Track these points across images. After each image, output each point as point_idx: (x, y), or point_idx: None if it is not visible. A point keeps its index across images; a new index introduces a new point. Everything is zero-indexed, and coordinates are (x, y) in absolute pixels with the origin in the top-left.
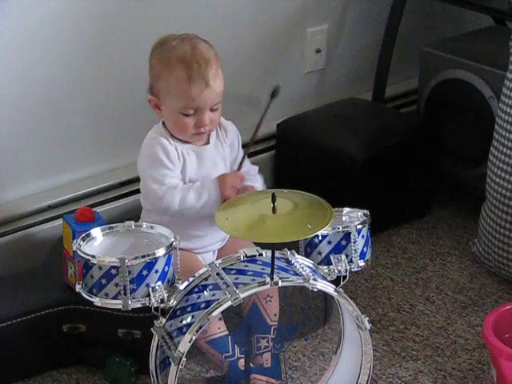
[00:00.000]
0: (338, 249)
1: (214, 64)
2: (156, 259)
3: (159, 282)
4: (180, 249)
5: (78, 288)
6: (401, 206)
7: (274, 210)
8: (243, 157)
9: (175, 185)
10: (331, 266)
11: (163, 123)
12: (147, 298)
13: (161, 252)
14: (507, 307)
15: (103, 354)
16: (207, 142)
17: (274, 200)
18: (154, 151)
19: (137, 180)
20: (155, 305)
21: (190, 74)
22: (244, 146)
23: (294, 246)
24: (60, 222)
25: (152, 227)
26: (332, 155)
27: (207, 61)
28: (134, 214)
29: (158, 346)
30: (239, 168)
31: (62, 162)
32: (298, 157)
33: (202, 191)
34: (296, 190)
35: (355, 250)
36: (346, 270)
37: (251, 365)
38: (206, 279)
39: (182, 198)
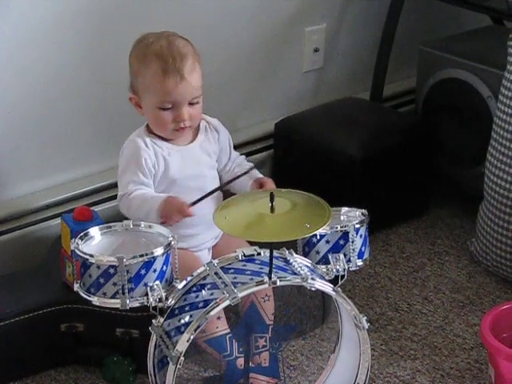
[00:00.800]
0: (336, 248)
1: (191, 58)
2: (154, 258)
3: (157, 282)
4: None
5: (75, 287)
6: (399, 206)
7: (272, 209)
8: (203, 196)
9: (130, 192)
10: (329, 266)
11: (147, 124)
12: (145, 298)
13: (159, 251)
14: (505, 306)
15: (101, 354)
16: (192, 141)
17: (272, 199)
18: (127, 156)
19: None
20: (153, 304)
21: (164, 67)
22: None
23: (292, 245)
24: (58, 221)
25: (150, 226)
26: (330, 154)
27: (183, 55)
28: None
29: (156, 345)
30: (194, 203)
31: (60, 161)
32: (295, 156)
33: (144, 206)
34: (294, 189)
35: (353, 250)
36: (344, 270)
37: (252, 364)
38: (204, 278)
39: (129, 207)
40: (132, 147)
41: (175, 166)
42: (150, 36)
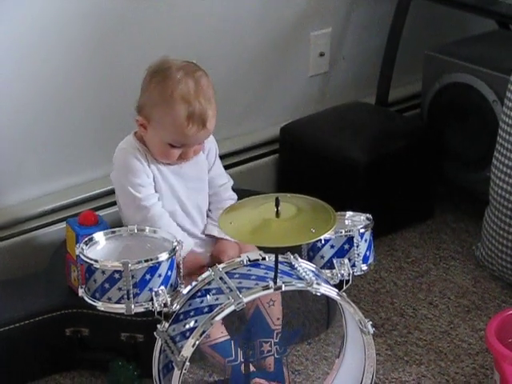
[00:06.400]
0: (340, 253)
1: (213, 101)
2: (159, 263)
3: (162, 287)
4: None
5: (80, 292)
6: (404, 210)
7: (277, 214)
8: None
9: (160, 213)
10: (334, 270)
11: (135, 134)
12: (150, 303)
13: (164, 256)
14: (511, 312)
15: (106, 358)
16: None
17: (277, 204)
18: (127, 160)
19: None
20: (158, 309)
21: (190, 113)
22: None
23: (296, 250)
24: (63, 225)
25: (155, 231)
26: (335, 159)
27: (207, 99)
28: None
29: (161, 350)
30: None
31: (66, 166)
32: (301, 161)
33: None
34: (299, 194)
35: (358, 254)
36: (349, 274)
37: (254, 369)
38: (209, 283)
39: (146, 221)
40: (130, 154)
41: (164, 185)
42: (175, 69)
